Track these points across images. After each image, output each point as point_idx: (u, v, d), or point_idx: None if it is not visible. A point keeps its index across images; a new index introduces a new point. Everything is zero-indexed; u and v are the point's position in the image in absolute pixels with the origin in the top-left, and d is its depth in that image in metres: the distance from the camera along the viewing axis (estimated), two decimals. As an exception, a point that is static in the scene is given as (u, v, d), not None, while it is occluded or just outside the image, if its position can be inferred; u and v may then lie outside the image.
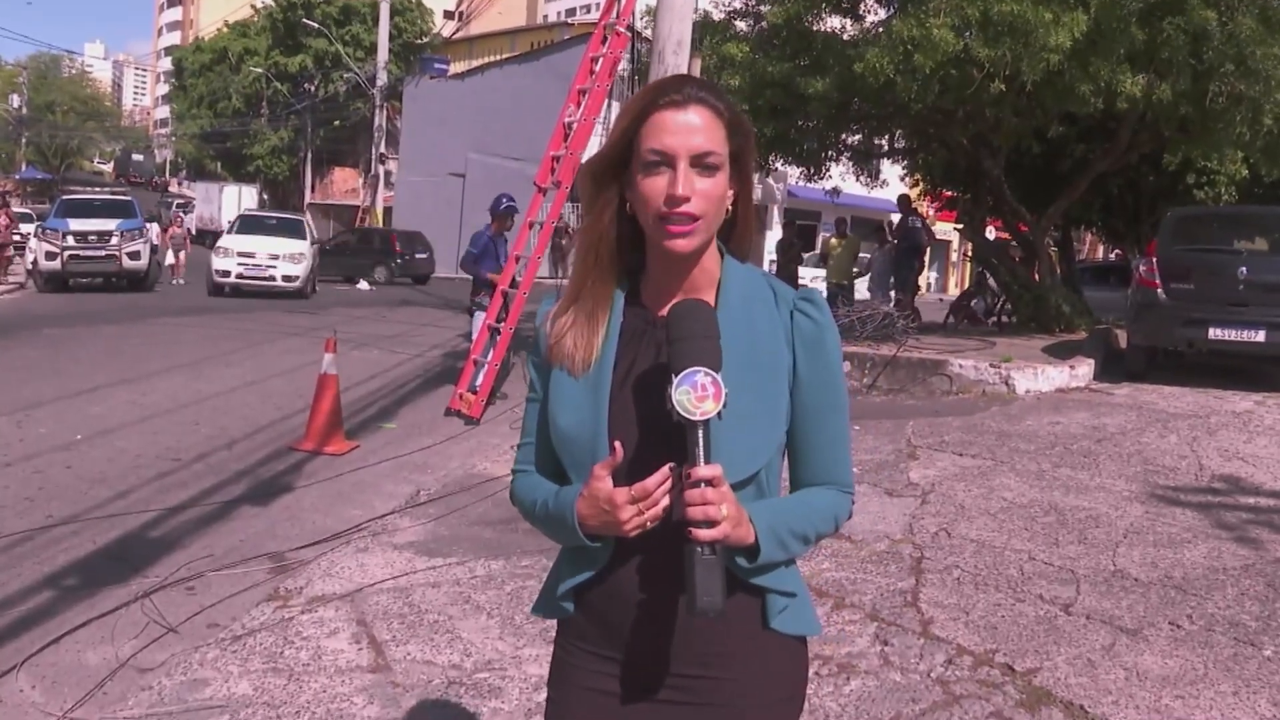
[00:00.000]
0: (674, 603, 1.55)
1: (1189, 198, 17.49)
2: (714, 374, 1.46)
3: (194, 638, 4.27)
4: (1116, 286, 19.35)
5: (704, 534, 1.42)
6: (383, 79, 40.28)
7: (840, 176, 17.40)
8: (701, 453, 1.45)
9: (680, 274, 1.62)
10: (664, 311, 1.60)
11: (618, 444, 1.50)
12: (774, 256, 19.40)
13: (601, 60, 9.91)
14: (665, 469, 1.47)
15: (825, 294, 17.35)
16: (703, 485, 1.43)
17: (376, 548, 5.44)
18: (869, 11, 13.66)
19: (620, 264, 1.66)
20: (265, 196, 57.70)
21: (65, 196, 25.91)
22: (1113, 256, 32.01)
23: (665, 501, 1.47)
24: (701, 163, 1.55)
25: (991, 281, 17.81)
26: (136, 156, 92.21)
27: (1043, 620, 4.38)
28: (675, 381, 1.46)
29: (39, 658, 4.05)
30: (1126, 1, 10.04)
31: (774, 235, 35.47)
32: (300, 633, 4.26)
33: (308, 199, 56.08)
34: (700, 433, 1.45)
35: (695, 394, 1.44)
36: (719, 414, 1.45)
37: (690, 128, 1.55)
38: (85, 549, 5.40)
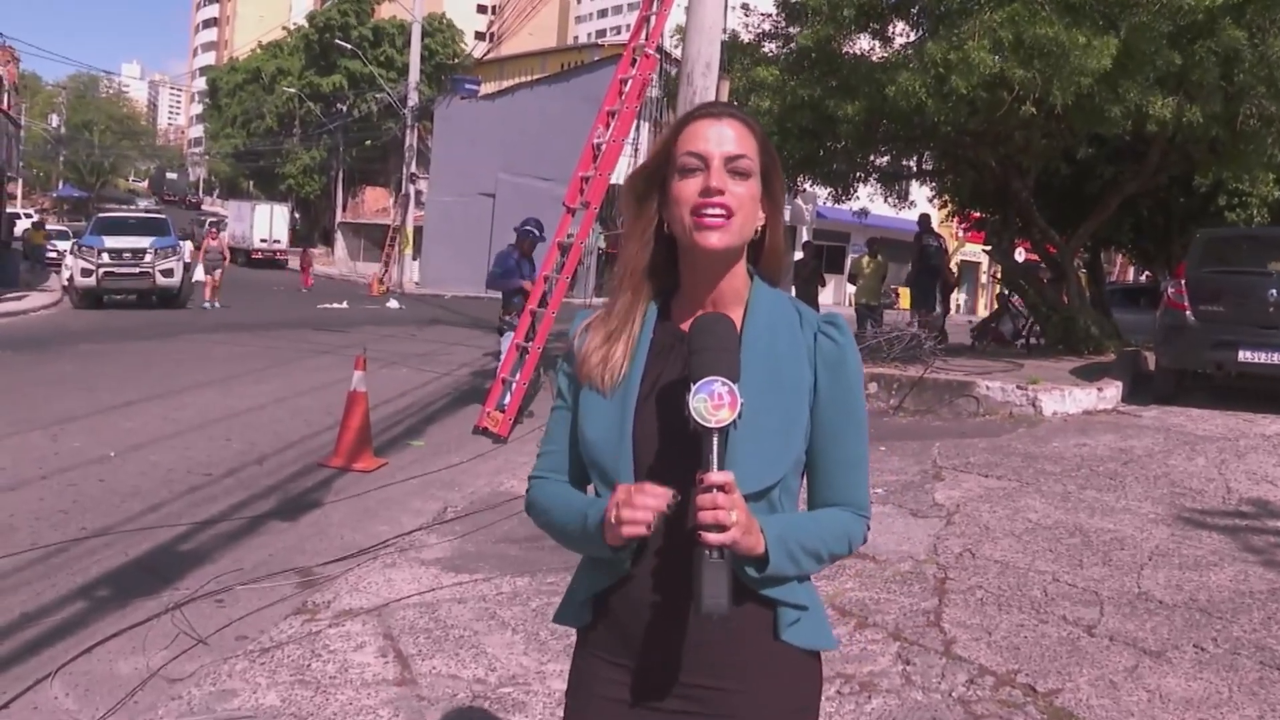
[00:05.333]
0: (688, 613, 1.58)
1: (1221, 219, 17.38)
2: (730, 384, 1.50)
3: (223, 649, 4.34)
4: (1146, 308, 19.20)
5: (713, 538, 1.45)
6: (414, 99, 40.61)
7: (868, 197, 17.40)
8: (715, 459, 1.48)
9: (709, 288, 1.67)
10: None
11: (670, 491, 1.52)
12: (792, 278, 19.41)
13: (630, 82, 10.00)
14: (667, 495, 1.50)
15: (855, 313, 17.39)
16: (714, 491, 1.46)
17: (404, 563, 5.49)
18: (898, 34, 13.68)
19: (655, 283, 1.73)
20: (297, 215, 58.35)
21: (101, 214, 26.27)
22: (1143, 279, 31.81)
23: (645, 515, 1.48)
24: (734, 167, 1.62)
25: (1015, 303, 17.74)
26: (170, 175, 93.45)
27: (1065, 641, 4.37)
28: (693, 390, 1.50)
29: (72, 666, 4.13)
30: (1157, 24, 10.01)
31: (794, 255, 35.51)
32: (327, 646, 4.31)
33: (339, 218, 56.61)
34: (715, 440, 1.49)
35: (711, 402, 1.49)
36: (734, 423, 1.49)
37: (724, 135, 1.63)
38: (117, 561, 5.49)
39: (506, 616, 4.68)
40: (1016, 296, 17.15)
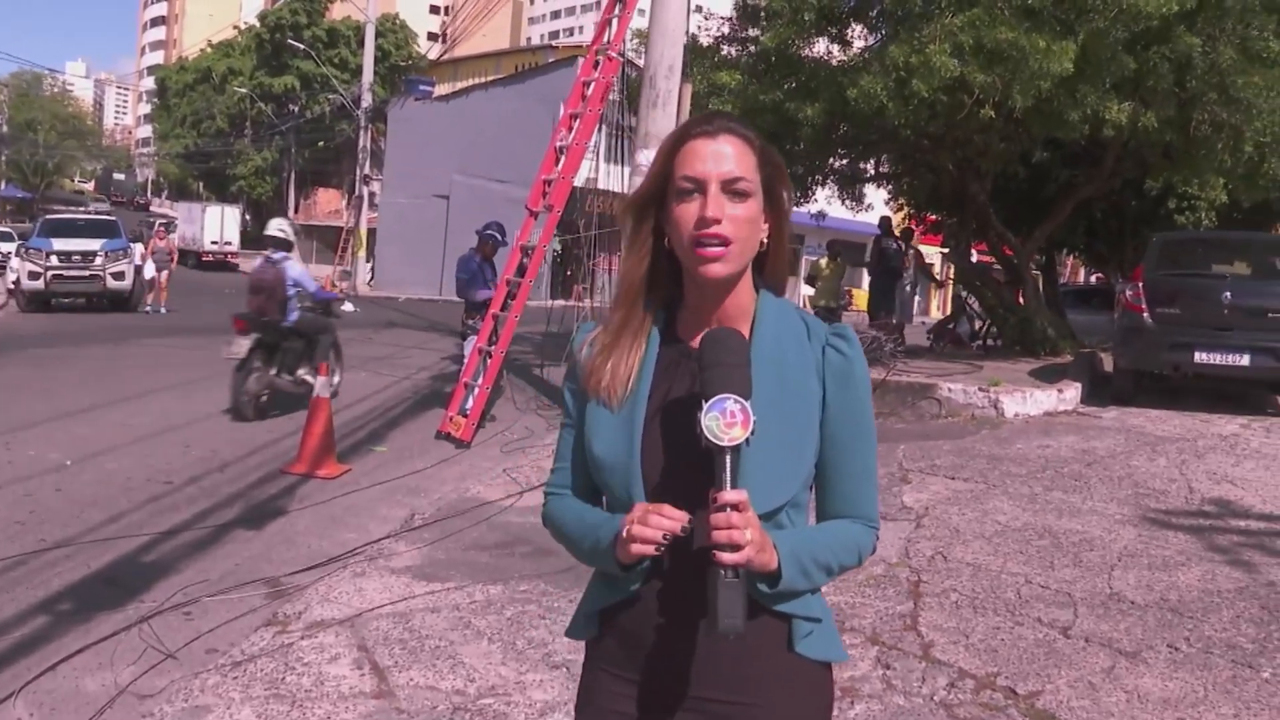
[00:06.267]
0: (699, 627, 1.57)
1: (1170, 222, 17.70)
2: (743, 401, 1.48)
3: (193, 664, 4.25)
4: (1099, 309, 19.51)
5: (728, 557, 1.43)
6: (368, 100, 40.27)
7: (825, 200, 17.48)
8: (728, 478, 1.47)
9: (715, 305, 1.65)
10: (699, 341, 1.62)
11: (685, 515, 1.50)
12: None
13: (593, 85, 9.95)
14: (683, 519, 1.48)
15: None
16: (728, 510, 1.45)
17: (374, 572, 5.42)
18: (856, 38, 13.77)
19: (658, 298, 1.70)
20: (248, 217, 57.61)
21: (49, 216, 25.75)
22: (1093, 280, 32.27)
23: (655, 536, 1.48)
24: (732, 188, 1.59)
25: (973, 305, 17.90)
26: (118, 175, 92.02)
27: (1042, 643, 4.40)
28: (705, 407, 1.48)
29: (36, 684, 4.01)
30: (1114, 30, 10.14)
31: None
32: (301, 658, 4.24)
33: (290, 219, 55.98)
34: (728, 458, 1.47)
35: (724, 420, 1.47)
36: (747, 441, 1.47)
37: (721, 155, 1.59)
38: (79, 573, 5.36)
39: (481, 626, 4.63)
40: (973, 298, 17.31)
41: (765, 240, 1.67)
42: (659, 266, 1.69)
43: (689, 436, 1.51)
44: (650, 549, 1.49)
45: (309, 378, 10.00)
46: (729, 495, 1.46)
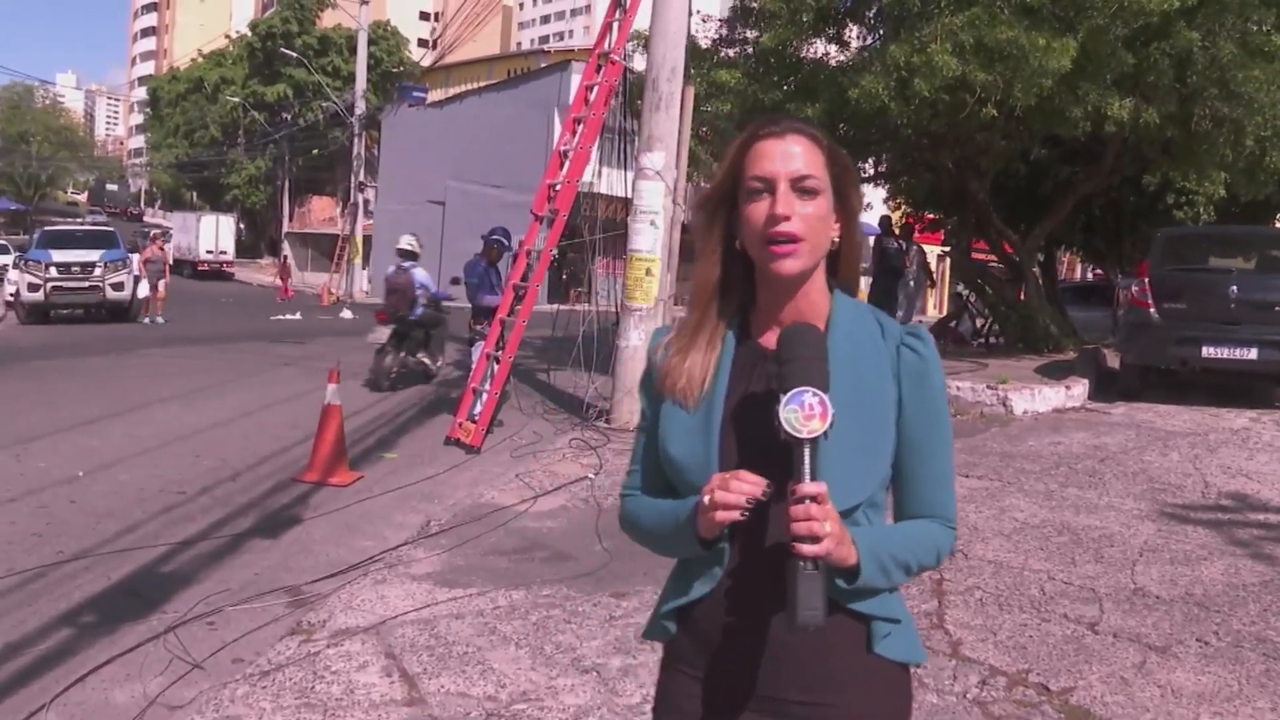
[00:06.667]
0: (776, 626, 1.56)
1: (1169, 218, 17.74)
2: (822, 394, 1.48)
3: (220, 674, 4.22)
4: (1098, 306, 19.55)
5: (807, 549, 1.43)
6: (361, 108, 40.29)
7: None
8: (807, 470, 1.47)
9: (788, 305, 1.65)
10: (773, 341, 1.62)
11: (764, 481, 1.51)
12: None
13: (596, 88, 9.95)
14: (763, 484, 1.49)
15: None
16: (807, 501, 1.44)
17: (395, 579, 5.40)
18: (855, 38, 13.79)
19: (732, 299, 1.71)
20: (242, 225, 57.61)
21: (47, 228, 25.68)
22: (1090, 276, 32.32)
23: (738, 500, 1.47)
24: (801, 186, 1.59)
25: (974, 302, 17.93)
26: (111, 186, 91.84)
27: (1071, 639, 4.40)
28: (783, 400, 1.48)
29: (66, 696, 3.99)
30: (1113, 26, 10.17)
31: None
32: (329, 667, 4.22)
33: (285, 228, 55.96)
34: (806, 451, 1.47)
35: (803, 413, 1.47)
36: (825, 434, 1.47)
37: (789, 154, 1.61)
38: (100, 585, 5.34)
39: (507, 631, 4.62)
40: (974, 296, 17.33)
41: (836, 240, 1.67)
42: (733, 269, 1.69)
43: (766, 435, 1.51)
44: (734, 514, 1.48)
45: (426, 360, 13.00)
46: (808, 487, 1.45)
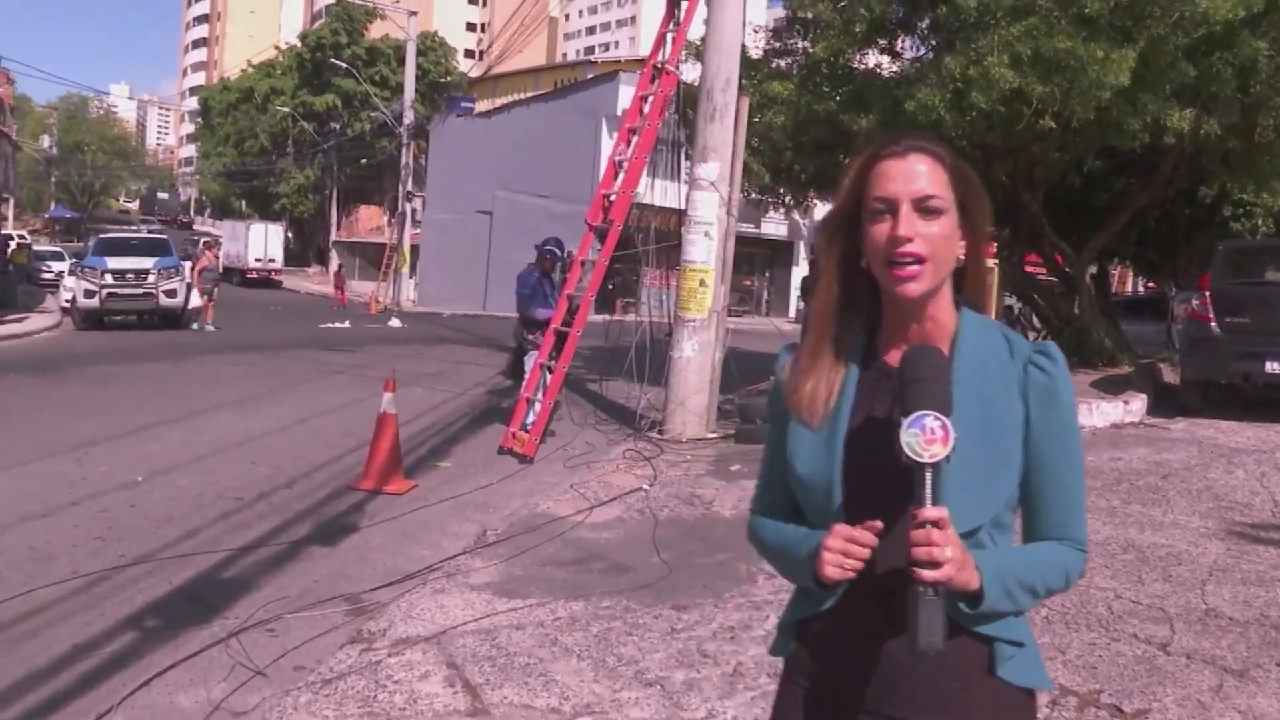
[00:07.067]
0: (896, 646, 1.54)
1: (1224, 229, 17.44)
2: (944, 418, 1.46)
3: (282, 681, 4.24)
4: (1150, 320, 19.24)
5: (928, 574, 1.42)
6: (409, 118, 40.64)
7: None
8: (929, 494, 1.45)
9: (913, 325, 1.63)
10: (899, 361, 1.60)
11: (878, 524, 1.52)
12: (799, 292, 19.40)
13: (651, 99, 9.96)
14: (875, 524, 1.50)
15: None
16: (928, 527, 1.43)
17: (453, 589, 5.40)
18: (907, 49, 13.69)
19: (857, 318, 1.69)
20: (290, 234, 58.25)
21: (103, 235, 26.10)
22: (1142, 289, 31.87)
23: (853, 564, 1.50)
24: (924, 206, 1.57)
25: (1026, 316, 17.69)
26: (161, 195, 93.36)
27: (1142, 660, 4.30)
28: (905, 424, 1.47)
29: (132, 699, 4.02)
30: (1175, 37, 10.01)
31: (800, 270, 35.54)
32: (391, 676, 4.21)
33: (333, 236, 56.53)
34: (928, 475, 1.45)
35: (924, 437, 1.45)
36: (947, 458, 1.45)
37: (912, 174, 1.59)
38: (162, 589, 5.39)
39: (569, 643, 4.59)
40: (1026, 308, 17.12)
41: (962, 257, 1.64)
42: (857, 287, 1.68)
43: (890, 455, 1.48)
44: (847, 575, 1.51)
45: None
46: (929, 512, 1.44)
